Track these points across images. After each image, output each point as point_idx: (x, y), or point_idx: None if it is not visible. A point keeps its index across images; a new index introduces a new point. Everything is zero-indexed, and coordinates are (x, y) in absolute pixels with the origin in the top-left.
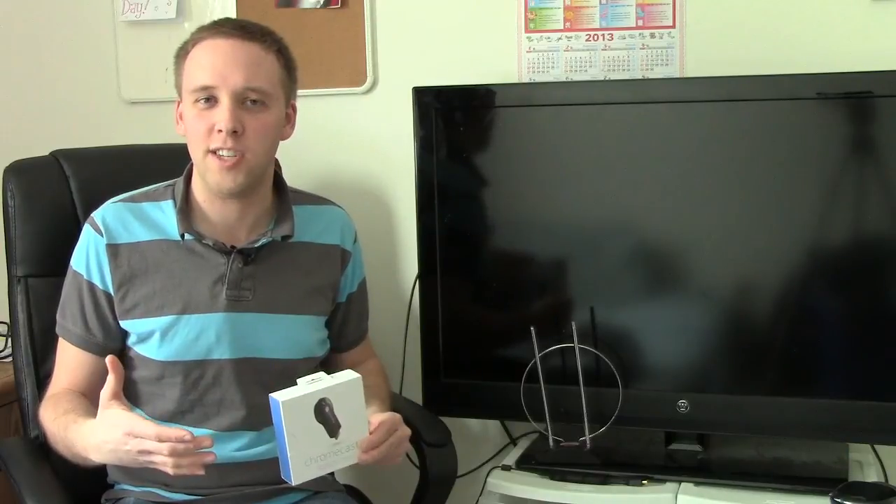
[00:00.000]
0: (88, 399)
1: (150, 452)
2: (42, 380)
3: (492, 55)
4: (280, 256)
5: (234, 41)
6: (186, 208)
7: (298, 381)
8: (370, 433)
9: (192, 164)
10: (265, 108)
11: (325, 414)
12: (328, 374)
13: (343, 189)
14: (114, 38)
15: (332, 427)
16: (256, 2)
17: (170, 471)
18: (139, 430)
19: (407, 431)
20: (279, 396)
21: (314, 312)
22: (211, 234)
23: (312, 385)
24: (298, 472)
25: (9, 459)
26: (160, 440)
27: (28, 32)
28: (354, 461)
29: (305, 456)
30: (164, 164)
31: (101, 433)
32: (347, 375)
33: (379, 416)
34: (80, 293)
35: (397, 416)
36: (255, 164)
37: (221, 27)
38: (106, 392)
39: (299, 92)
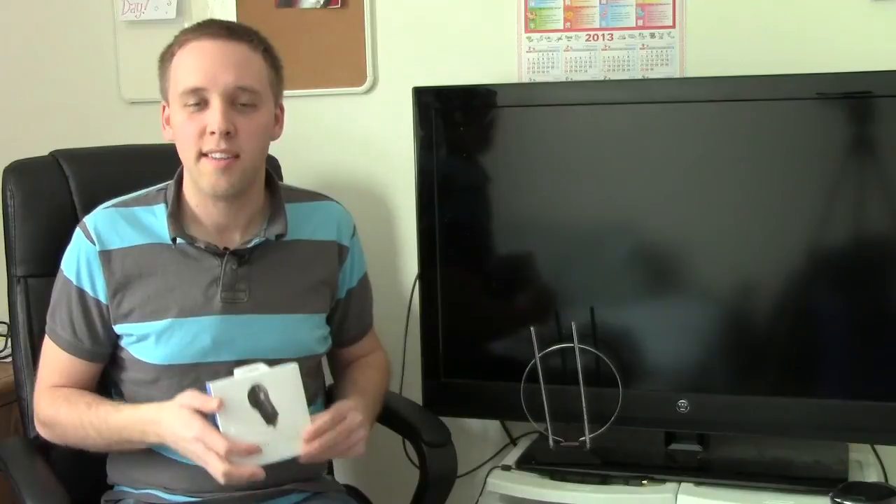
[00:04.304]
0: None
1: (207, 462)
2: None
3: (492, 55)
4: (274, 256)
5: (221, 42)
6: (178, 212)
7: (235, 370)
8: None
9: (182, 168)
10: (256, 108)
11: (259, 401)
12: (321, 369)
13: (343, 189)
14: (114, 38)
15: (269, 415)
16: (256, 2)
17: (220, 480)
18: (210, 441)
19: (357, 419)
20: (212, 384)
21: (312, 310)
22: (203, 237)
23: (246, 373)
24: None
25: (9, 459)
26: (228, 454)
27: (28, 32)
28: (299, 452)
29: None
30: (164, 165)
31: (173, 424)
32: (284, 365)
33: (324, 412)
34: (70, 299)
35: (347, 403)
36: (249, 166)
37: (206, 28)
38: (195, 402)
39: (300, 92)
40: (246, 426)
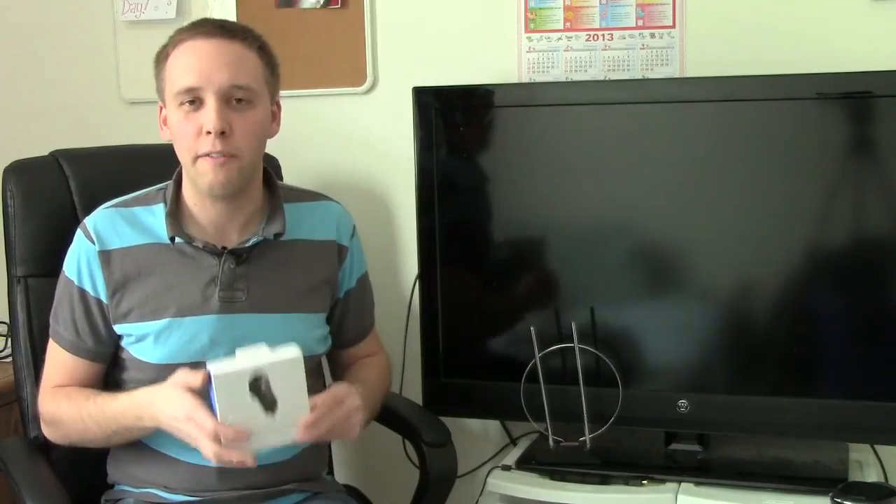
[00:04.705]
0: None
1: (199, 441)
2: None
3: (492, 55)
4: (273, 255)
5: (215, 40)
6: (176, 211)
7: (238, 351)
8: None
9: (181, 168)
10: (251, 105)
11: (260, 390)
12: (321, 368)
13: (343, 189)
14: (114, 38)
15: (269, 403)
16: (256, 2)
17: (212, 460)
18: (199, 420)
19: (356, 403)
20: (213, 369)
21: (311, 310)
22: (201, 237)
23: (249, 359)
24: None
25: (9, 459)
26: (216, 436)
27: (28, 32)
28: (291, 440)
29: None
30: (164, 165)
31: (165, 404)
32: (289, 353)
33: (323, 394)
34: (72, 299)
35: (342, 388)
36: (246, 164)
37: (200, 28)
38: (187, 379)
39: (300, 92)
40: (244, 414)
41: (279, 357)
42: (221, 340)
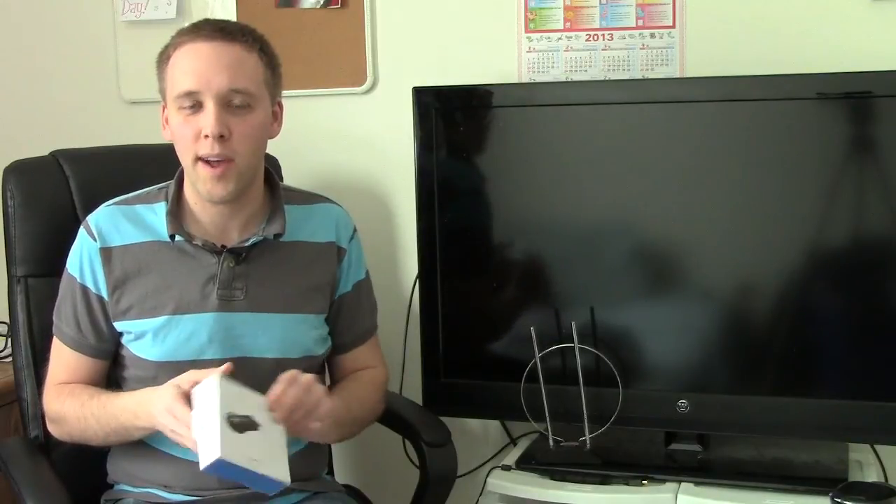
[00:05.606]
0: None
1: (179, 434)
2: (42, 380)
3: (492, 55)
4: (272, 255)
5: (215, 43)
6: (177, 209)
7: (192, 412)
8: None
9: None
10: (251, 109)
11: (236, 423)
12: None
13: (343, 189)
14: (114, 38)
15: (250, 423)
16: (256, 2)
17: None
18: (178, 414)
19: (308, 377)
20: (209, 455)
21: (309, 311)
22: (201, 235)
23: (211, 417)
24: (281, 474)
25: (9, 459)
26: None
27: (28, 32)
28: (280, 432)
29: (267, 461)
30: (164, 165)
31: (156, 402)
32: (209, 380)
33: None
34: (74, 296)
35: (293, 371)
36: (245, 168)
37: (201, 30)
38: (181, 379)
39: (300, 92)
40: (254, 449)
41: (211, 386)
42: (219, 339)
